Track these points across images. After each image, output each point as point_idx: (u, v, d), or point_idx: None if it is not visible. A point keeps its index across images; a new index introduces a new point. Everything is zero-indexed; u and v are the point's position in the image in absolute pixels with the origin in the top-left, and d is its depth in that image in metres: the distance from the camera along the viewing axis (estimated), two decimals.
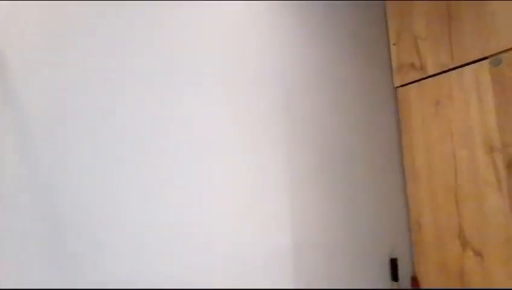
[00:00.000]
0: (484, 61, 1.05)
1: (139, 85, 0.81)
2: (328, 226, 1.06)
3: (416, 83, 1.26)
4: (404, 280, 1.20)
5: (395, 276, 1.16)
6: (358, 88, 1.23)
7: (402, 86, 1.31)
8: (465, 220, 1.08)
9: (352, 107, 1.20)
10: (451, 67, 1.14)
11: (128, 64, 0.80)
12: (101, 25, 0.78)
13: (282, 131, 1.02)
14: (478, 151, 1.05)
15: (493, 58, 1.02)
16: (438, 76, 1.18)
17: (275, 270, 0.93)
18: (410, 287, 1.20)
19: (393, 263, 1.16)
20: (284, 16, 1.09)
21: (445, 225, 1.14)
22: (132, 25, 0.82)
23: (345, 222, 1.10)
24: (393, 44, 1.35)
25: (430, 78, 1.21)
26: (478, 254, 1.05)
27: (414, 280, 1.21)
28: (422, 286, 1.19)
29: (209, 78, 0.92)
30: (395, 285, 1.15)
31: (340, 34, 1.22)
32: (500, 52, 1.01)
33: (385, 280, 1.16)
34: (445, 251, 1.13)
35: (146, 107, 0.82)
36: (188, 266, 0.81)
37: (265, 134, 0.99)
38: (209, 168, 0.88)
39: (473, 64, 1.08)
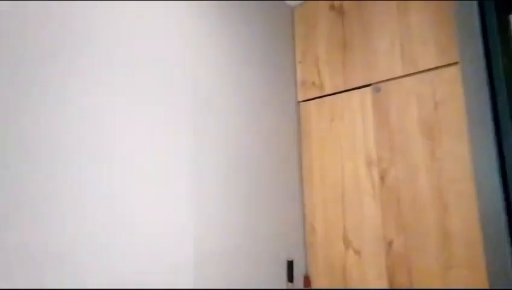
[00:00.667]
0: (368, 87, 1.23)
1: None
2: (231, 234, 1.08)
3: (315, 100, 1.40)
4: (299, 280, 1.31)
5: (290, 277, 1.26)
6: (267, 100, 1.29)
7: (304, 101, 1.44)
8: (348, 223, 1.25)
9: (259, 118, 1.25)
10: (343, 89, 1.30)
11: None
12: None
13: (187, 140, 0.99)
14: (360, 164, 1.23)
15: (374, 86, 1.21)
16: (333, 96, 1.34)
17: (176, 282, 0.91)
18: (302, 287, 1.33)
19: (290, 265, 1.26)
20: (196, 34, 1.07)
21: (333, 228, 1.29)
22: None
23: (248, 229, 1.14)
24: (299, 62, 1.47)
25: (327, 97, 1.36)
26: (357, 252, 1.22)
27: (306, 279, 1.33)
28: (313, 284, 1.33)
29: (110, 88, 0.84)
30: (290, 285, 1.25)
31: (253, 49, 1.26)
32: (379, 82, 1.20)
33: (282, 281, 1.25)
34: (332, 251, 1.29)
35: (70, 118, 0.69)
36: (83, 280, 0.72)
37: (169, 142, 0.95)
38: (107, 175, 0.80)
39: (359, 89, 1.25)
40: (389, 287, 1.12)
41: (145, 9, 0.94)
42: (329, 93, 1.35)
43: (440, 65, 1.06)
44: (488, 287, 0.71)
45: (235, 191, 1.11)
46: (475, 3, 0.79)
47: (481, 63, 0.78)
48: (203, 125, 1.04)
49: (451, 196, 1.02)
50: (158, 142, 0.92)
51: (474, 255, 0.96)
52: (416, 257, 1.08)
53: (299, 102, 1.45)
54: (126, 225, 0.82)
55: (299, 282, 1.31)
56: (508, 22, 1.03)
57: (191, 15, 1.06)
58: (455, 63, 1.02)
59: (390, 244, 1.14)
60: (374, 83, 1.21)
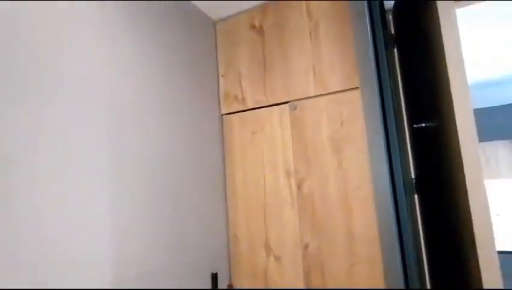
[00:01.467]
0: (286, 104, 1.34)
1: None
2: (154, 251, 1.03)
3: (238, 113, 1.45)
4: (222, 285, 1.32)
5: (215, 287, 1.26)
6: (190, 112, 1.29)
7: (227, 114, 1.48)
8: (269, 231, 1.32)
9: (183, 129, 1.24)
10: (264, 104, 1.39)
11: None
12: None
13: (106, 154, 0.93)
14: (280, 175, 1.32)
15: (291, 103, 1.33)
16: (255, 110, 1.41)
17: None
18: None
19: (214, 278, 1.26)
20: (120, 44, 1.01)
21: (256, 237, 1.34)
22: None
23: (172, 244, 1.10)
24: (222, 75, 1.51)
25: (249, 111, 1.43)
26: (277, 258, 1.29)
27: (230, 286, 1.35)
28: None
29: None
30: None
31: (176, 60, 1.25)
32: (295, 100, 1.32)
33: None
34: (255, 259, 1.34)
35: None
36: None
37: (87, 157, 0.87)
38: (12, 189, 0.68)
39: (278, 106, 1.35)
40: (305, 288, 1.22)
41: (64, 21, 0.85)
42: (251, 107, 1.42)
43: (345, 89, 1.22)
44: (384, 281, 0.84)
45: (157, 205, 1.07)
46: (370, 39, 0.96)
47: (375, 89, 0.93)
48: (122, 139, 0.98)
49: (354, 200, 1.18)
50: (77, 160, 0.83)
51: (373, 253, 1.13)
52: (327, 257, 1.20)
53: (222, 115, 1.49)
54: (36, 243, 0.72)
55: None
56: (393, 54, 1.26)
57: (112, 24, 1.00)
58: (356, 88, 1.20)
59: (306, 247, 1.24)
60: (291, 101, 1.33)
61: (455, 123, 0.91)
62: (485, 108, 2.85)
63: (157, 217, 1.06)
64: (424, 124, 1.07)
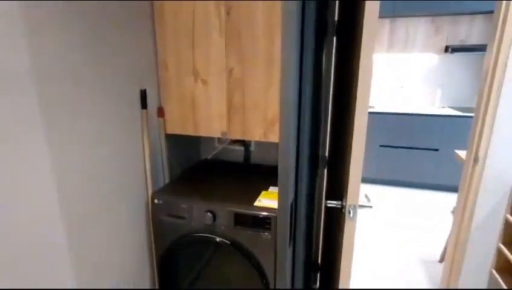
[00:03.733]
0: None
1: None
2: (81, 70, 1.04)
3: None
4: (153, 109, 1.44)
5: (144, 104, 1.37)
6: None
7: None
8: (197, 57, 1.39)
9: None
10: None
11: None
12: None
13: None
14: (209, 1, 1.31)
15: None
16: None
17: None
18: (156, 116, 1.47)
19: (143, 94, 1.36)
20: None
21: (184, 63, 1.41)
22: None
23: (100, 61, 1.11)
24: None
25: None
26: (205, 83, 1.41)
27: (160, 109, 1.48)
28: (166, 114, 1.49)
29: None
30: (144, 112, 1.37)
31: None
32: None
33: (137, 109, 1.35)
34: (183, 83, 1.44)
35: None
36: None
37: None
38: None
39: None
40: (227, 107, 1.40)
41: None
42: None
43: None
44: None
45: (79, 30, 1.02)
46: None
47: None
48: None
49: (279, 29, 1.27)
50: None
51: None
52: (249, 80, 1.35)
53: None
54: None
55: (153, 112, 1.44)
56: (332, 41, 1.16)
57: None
58: None
59: (230, 72, 1.36)
60: None
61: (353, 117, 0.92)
62: None
63: (76, 39, 1.03)
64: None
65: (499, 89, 1.51)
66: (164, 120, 1.50)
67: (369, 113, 3.57)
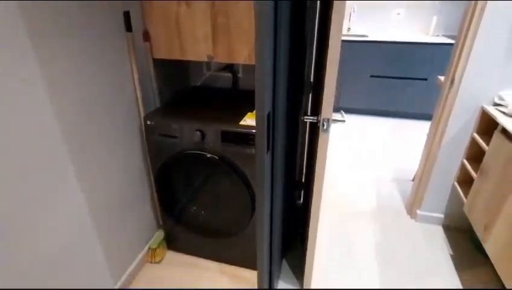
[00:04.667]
0: None
1: None
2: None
3: None
4: (138, 32, 1.46)
5: (128, 27, 1.38)
6: None
7: None
8: None
9: None
10: None
11: None
12: None
13: None
14: None
15: None
16: None
17: None
18: (142, 40, 1.49)
19: (127, 16, 1.36)
20: None
21: None
22: None
23: None
24: None
25: None
26: (189, 5, 1.40)
27: (145, 33, 1.49)
28: (152, 38, 1.51)
29: None
30: (129, 35, 1.39)
31: None
32: None
33: (121, 31, 1.36)
34: (166, 8, 1.43)
35: None
36: None
37: None
38: None
39: None
40: (212, 30, 1.42)
41: None
42: None
43: None
44: None
45: None
46: None
47: None
48: None
49: None
50: None
51: None
52: (232, 1, 1.35)
53: None
54: None
55: (138, 34, 1.46)
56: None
57: None
58: None
59: None
60: None
61: None
62: None
63: None
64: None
65: (481, 14, 1.51)
66: (151, 45, 1.53)
67: (362, 42, 3.52)
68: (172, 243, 1.86)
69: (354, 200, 2.38)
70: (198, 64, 1.95)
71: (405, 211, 2.24)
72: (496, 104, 1.63)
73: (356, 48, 3.56)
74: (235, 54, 1.45)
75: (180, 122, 1.45)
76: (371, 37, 3.59)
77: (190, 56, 1.51)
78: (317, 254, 1.88)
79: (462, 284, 1.66)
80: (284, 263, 1.81)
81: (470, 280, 1.69)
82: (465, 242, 1.95)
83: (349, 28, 4.05)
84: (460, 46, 1.64)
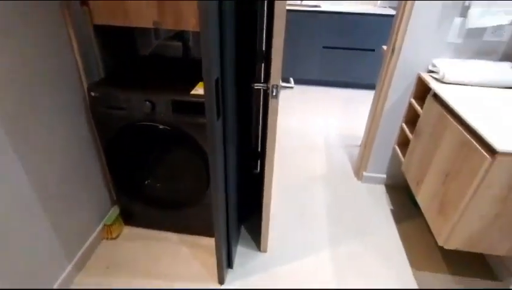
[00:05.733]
0: None
1: None
2: None
3: None
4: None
5: None
6: None
7: None
8: None
9: None
10: None
11: None
12: None
13: None
14: None
15: None
16: None
17: None
18: (79, 3, 1.38)
19: None
20: None
21: None
22: None
23: None
24: None
25: None
26: None
27: None
28: (91, 4, 1.39)
29: None
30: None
31: None
32: None
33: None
34: None
35: None
36: None
37: None
38: None
39: None
40: None
41: None
42: None
43: None
44: None
45: None
46: None
47: None
48: None
49: None
50: None
51: None
52: None
53: None
54: None
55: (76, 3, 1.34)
56: None
57: None
58: None
59: None
60: None
61: None
62: None
63: None
64: None
65: None
66: (90, 9, 1.41)
67: (314, 12, 3.56)
68: (129, 218, 1.84)
69: (307, 166, 2.50)
70: (146, 32, 1.85)
71: (353, 173, 2.42)
72: (429, 71, 1.78)
73: (309, 19, 3.60)
74: (183, 21, 1.40)
75: (128, 92, 1.39)
76: (323, 7, 3.64)
77: (134, 22, 1.42)
78: (273, 218, 1.98)
79: (399, 234, 1.88)
80: (244, 231, 1.89)
81: (406, 230, 1.91)
82: (403, 198, 2.18)
83: None
84: (400, 17, 1.74)
